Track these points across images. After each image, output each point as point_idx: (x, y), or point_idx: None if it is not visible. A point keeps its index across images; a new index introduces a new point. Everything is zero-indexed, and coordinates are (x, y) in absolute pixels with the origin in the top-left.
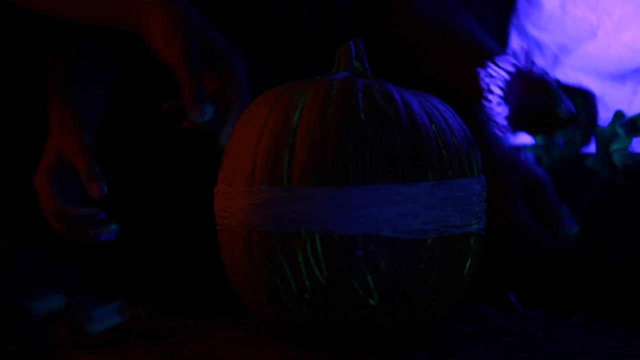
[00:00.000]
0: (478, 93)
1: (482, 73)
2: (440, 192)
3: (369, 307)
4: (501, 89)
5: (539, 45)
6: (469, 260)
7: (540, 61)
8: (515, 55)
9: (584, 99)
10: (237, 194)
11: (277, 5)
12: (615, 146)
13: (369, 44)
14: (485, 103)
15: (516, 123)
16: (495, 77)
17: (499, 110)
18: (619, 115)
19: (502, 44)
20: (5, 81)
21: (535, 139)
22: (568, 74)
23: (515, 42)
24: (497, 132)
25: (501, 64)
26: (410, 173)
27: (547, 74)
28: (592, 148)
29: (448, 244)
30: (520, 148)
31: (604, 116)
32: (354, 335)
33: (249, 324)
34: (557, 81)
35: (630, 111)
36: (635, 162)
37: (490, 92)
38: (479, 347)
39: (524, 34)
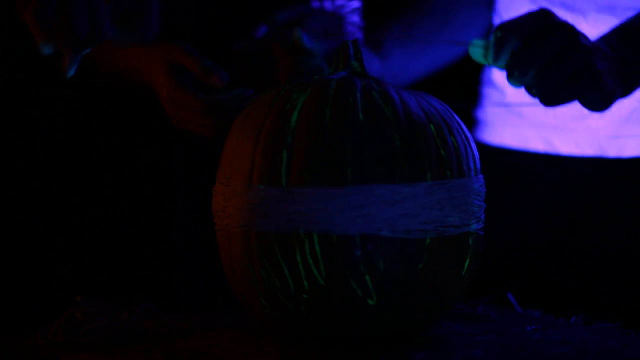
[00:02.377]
0: None
1: None
2: (438, 192)
3: (367, 307)
4: None
5: None
6: (468, 260)
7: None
8: None
9: None
10: (235, 193)
11: None
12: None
13: None
14: None
15: None
16: None
17: None
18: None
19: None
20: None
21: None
22: None
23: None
24: None
25: None
26: (409, 173)
27: None
28: None
29: (446, 244)
30: None
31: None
32: (352, 335)
33: (249, 324)
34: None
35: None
36: None
37: None
38: (477, 347)
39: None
